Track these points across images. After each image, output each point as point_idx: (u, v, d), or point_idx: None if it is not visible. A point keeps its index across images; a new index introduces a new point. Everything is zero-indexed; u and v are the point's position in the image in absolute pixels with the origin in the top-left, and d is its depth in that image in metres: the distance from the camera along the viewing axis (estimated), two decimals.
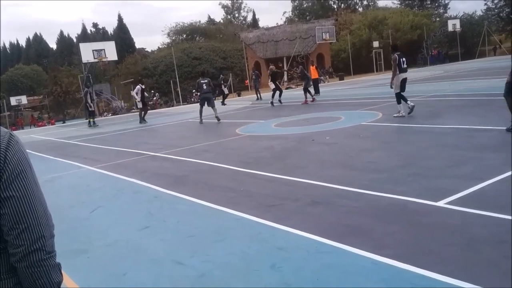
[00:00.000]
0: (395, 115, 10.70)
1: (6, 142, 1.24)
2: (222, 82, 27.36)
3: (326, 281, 3.19)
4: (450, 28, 44.41)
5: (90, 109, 22.08)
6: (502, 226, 3.66)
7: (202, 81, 15.48)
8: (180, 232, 4.66)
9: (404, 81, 10.64)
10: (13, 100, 40.79)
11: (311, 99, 18.23)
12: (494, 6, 54.33)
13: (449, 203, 4.40)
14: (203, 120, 15.77)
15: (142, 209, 5.71)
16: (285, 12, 79.90)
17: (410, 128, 9.03)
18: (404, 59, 10.72)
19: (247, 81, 41.26)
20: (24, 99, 41.77)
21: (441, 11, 61.34)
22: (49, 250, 1.27)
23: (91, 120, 21.88)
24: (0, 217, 1.21)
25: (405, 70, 10.67)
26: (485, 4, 54.88)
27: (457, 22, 45.28)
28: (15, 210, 1.22)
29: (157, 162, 8.98)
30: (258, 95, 25.55)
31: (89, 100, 21.77)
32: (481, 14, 54.89)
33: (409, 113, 10.52)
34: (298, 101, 19.03)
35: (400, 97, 10.64)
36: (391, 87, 10.86)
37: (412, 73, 30.97)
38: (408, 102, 10.59)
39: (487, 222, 3.83)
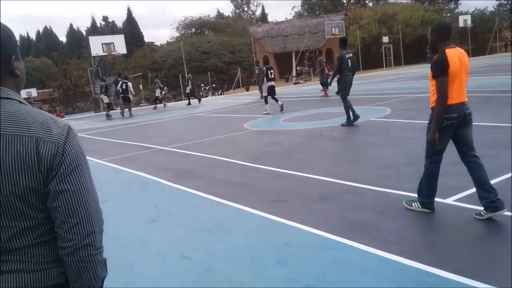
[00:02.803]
0: (264, 112, 14.11)
1: (65, 135, 1.23)
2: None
3: (332, 277, 3.17)
4: (461, 24, 43.93)
5: (106, 102, 22.44)
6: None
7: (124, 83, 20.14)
8: (186, 226, 4.67)
9: (271, 87, 14.22)
10: (23, 93, 41.07)
11: (324, 93, 18.33)
12: (506, 2, 53.63)
13: (457, 200, 4.37)
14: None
15: (149, 202, 5.73)
16: (294, 7, 79.71)
17: (419, 125, 8.95)
18: (271, 71, 14.43)
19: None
20: (34, 92, 42.07)
21: (452, 6, 60.63)
22: (98, 246, 1.27)
23: (108, 112, 22.11)
24: (53, 210, 1.21)
25: (272, 80, 14.27)
26: None
27: (468, 18, 44.75)
28: (69, 204, 1.21)
29: (165, 156, 9.00)
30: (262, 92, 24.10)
31: (103, 93, 22.15)
32: (493, 10, 54.21)
33: (266, 113, 14.08)
34: (307, 96, 18.98)
35: (266, 99, 14.33)
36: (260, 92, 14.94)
37: (421, 69, 30.73)
38: (267, 105, 14.19)
39: (496, 219, 3.79)
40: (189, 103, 24.57)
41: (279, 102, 13.85)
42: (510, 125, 7.47)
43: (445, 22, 4.59)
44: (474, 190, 4.57)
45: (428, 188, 4.12)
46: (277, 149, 8.30)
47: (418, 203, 4.21)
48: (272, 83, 14.34)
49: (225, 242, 4.04)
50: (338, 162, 6.83)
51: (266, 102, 14.29)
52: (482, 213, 3.86)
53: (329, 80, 10.15)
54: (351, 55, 9.80)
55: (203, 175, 6.92)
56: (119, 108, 23.37)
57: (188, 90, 24.81)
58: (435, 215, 4.09)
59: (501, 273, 2.92)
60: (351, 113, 9.68)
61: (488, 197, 3.78)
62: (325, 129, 9.82)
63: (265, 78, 14.28)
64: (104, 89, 22.16)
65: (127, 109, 21.52)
